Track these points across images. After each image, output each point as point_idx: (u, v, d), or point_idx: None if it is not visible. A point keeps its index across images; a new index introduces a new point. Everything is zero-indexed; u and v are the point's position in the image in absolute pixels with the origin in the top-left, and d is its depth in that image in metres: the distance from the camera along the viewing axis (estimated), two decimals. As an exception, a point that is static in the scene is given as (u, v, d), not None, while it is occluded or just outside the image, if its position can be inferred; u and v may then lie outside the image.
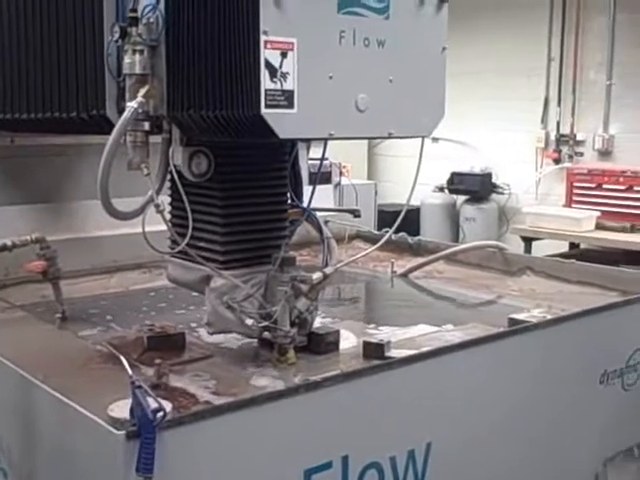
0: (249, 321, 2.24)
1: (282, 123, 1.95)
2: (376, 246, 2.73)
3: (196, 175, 2.24)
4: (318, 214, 2.64)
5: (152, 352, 2.30)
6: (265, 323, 2.25)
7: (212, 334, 2.37)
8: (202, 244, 2.32)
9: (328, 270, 2.40)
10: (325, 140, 2.61)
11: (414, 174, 2.37)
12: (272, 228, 2.41)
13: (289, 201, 2.52)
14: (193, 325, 2.60)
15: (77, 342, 2.45)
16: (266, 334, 2.31)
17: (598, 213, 7.28)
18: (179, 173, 2.23)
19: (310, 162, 3.64)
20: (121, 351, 2.13)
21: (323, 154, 2.72)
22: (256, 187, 2.37)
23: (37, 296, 2.87)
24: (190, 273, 2.37)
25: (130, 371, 1.76)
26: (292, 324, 2.27)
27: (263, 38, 1.90)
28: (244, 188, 2.35)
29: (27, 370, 1.98)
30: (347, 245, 3.81)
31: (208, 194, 2.31)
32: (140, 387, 1.63)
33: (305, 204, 2.60)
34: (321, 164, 2.78)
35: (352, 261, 2.68)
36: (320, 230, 2.61)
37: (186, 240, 2.22)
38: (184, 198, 2.23)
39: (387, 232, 2.67)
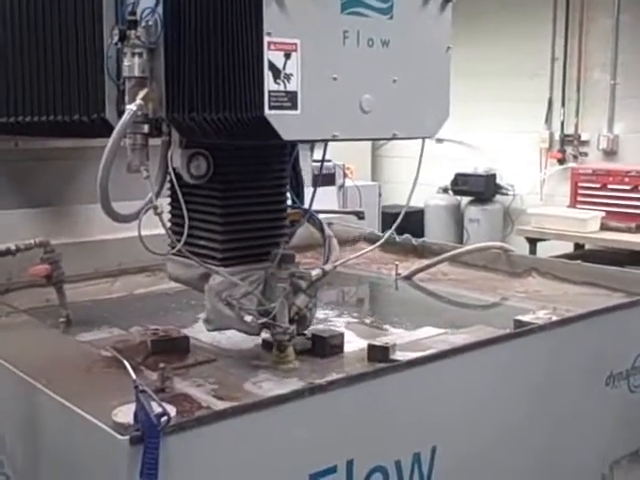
0: (248, 318, 2.23)
1: (286, 124, 1.93)
2: (376, 245, 2.75)
3: (195, 177, 2.23)
4: (322, 216, 2.63)
5: (156, 356, 2.29)
6: (264, 320, 2.23)
7: (211, 331, 2.36)
8: (201, 242, 2.32)
9: (327, 267, 2.40)
10: (326, 142, 2.60)
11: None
12: (271, 226, 2.40)
13: (292, 202, 2.51)
14: (195, 328, 2.59)
15: (81, 346, 2.44)
16: (268, 335, 2.30)
17: (603, 213, 7.26)
18: (178, 175, 2.22)
19: (314, 164, 3.63)
20: (125, 355, 2.12)
21: (324, 155, 2.71)
22: (255, 187, 2.36)
23: (41, 300, 2.86)
24: (190, 271, 2.36)
25: (134, 375, 1.76)
26: (291, 321, 2.27)
27: (266, 39, 1.88)
28: (243, 188, 2.34)
29: (30, 374, 1.97)
30: (351, 247, 3.79)
31: (207, 194, 2.30)
32: (144, 391, 1.62)
33: (307, 205, 2.59)
34: (322, 165, 2.76)
35: (352, 259, 2.70)
36: (322, 229, 2.61)
37: (184, 239, 2.21)
38: (181, 198, 2.22)
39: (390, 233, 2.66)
